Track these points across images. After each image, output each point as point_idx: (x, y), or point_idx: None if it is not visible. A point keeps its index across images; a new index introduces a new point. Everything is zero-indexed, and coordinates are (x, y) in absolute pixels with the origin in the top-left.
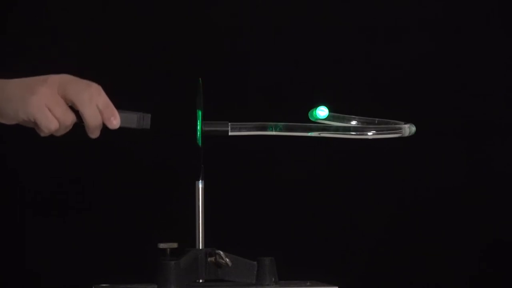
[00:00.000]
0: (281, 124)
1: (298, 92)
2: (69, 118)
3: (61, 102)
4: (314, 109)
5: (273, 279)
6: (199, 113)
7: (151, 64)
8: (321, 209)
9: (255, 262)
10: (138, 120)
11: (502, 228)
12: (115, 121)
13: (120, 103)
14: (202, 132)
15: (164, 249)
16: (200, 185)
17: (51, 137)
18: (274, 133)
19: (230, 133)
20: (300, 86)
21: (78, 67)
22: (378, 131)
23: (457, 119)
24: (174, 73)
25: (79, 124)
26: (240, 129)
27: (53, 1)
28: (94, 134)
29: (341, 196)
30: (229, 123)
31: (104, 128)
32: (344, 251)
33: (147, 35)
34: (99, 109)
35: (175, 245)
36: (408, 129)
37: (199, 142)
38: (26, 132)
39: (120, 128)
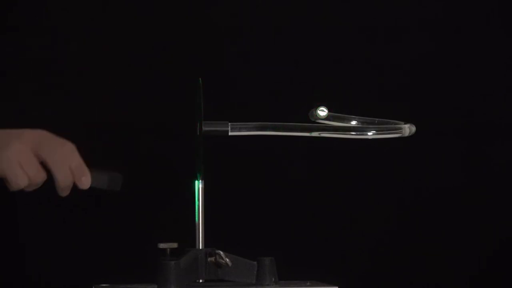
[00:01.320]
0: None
1: (298, 92)
2: (40, 177)
3: (34, 160)
4: (314, 109)
5: (273, 279)
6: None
7: (151, 64)
8: (321, 209)
9: (255, 262)
10: (109, 181)
11: (502, 228)
12: (86, 182)
13: (120, 103)
14: (202, 133)
15: (164, 249)
16: (200, 185)
17: (21, 190)
18: (274, 133)
19: (230, 133)
20: (300, 86)
21: (78, 67)
22: (378, 131)
23: (457, 119)
24: (174, 73)
25: (50, 182)
26: (240, 129)
27: (53, 1)
28: (64, 193)
29: (341, 196)
30: (229, 123)
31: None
32: (344, 251)
33: (147, 35)
34: (71, 169)
35: (175, 245)
36: (408, 129)
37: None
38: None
39: (90, 187)
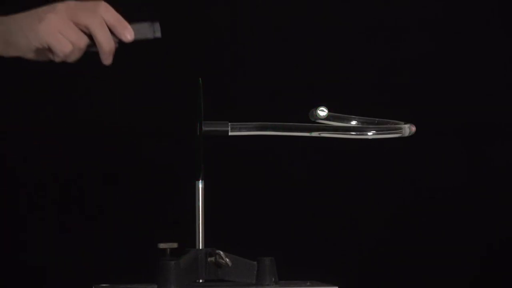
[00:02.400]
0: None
1: (298, 92)
2: (82, 40)
3: (72, 25)
4: (314, 109)
5: (273, 279)
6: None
7: (151, 65)
8: (321, 209)
9: (255, 262)
10: (151, 29)
11: (502, 228)
12: (128, 34)
13: (120, 103)
14: (202, 133)
15: (164, 249)
16: (200, 185)
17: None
18: (274, 133)
19: (230, 133)
20: (300, 86)
21: (78, 67)
22: (378, 131)
23: (457, 119)
24: (174, 73)
25: (92, 49)
26: (240, 129)
27: (53, 1)
28: (108, 58)
29: (341, 196)
30: (229, 123)
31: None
32: (344, 251)
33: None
34: (110, 25)
35: (175, 245)
36: (408, 129)
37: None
38: (26, 132)
39: (135, 43)
